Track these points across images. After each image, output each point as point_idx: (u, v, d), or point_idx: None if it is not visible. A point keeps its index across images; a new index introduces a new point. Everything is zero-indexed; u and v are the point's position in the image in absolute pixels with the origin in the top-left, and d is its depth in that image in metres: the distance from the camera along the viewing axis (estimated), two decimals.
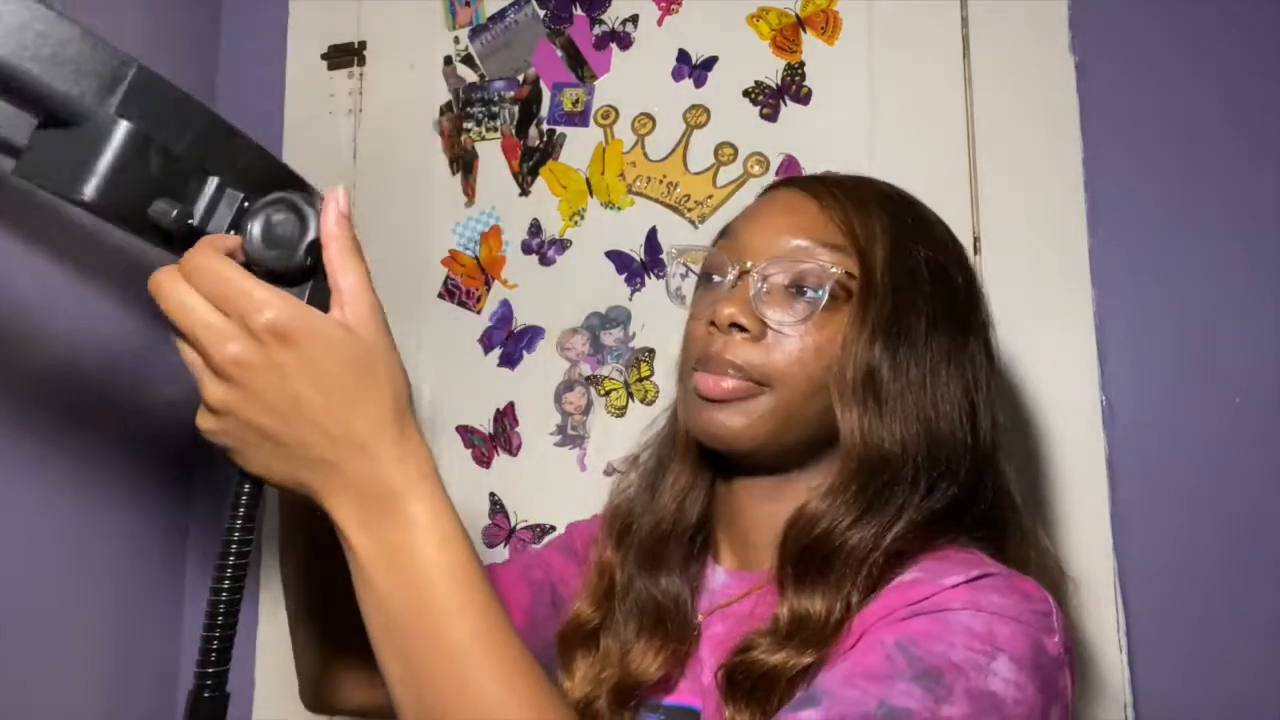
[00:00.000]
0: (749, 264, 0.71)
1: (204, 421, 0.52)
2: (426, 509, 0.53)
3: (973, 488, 0.70)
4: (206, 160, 0.53)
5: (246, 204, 0.54)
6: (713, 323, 0.71)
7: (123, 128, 0.49)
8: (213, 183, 0.54)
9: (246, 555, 0.54)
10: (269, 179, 0.57)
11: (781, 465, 0.73)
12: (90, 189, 0.49)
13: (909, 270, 0.71)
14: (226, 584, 0.54)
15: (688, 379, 0.73)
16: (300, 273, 0.54)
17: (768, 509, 0.74)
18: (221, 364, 0.49)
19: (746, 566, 0.76)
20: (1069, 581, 0.79)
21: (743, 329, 0.70)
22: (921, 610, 0.61)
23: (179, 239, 0.53)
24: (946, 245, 0.76)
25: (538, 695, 0.53)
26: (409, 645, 0.52)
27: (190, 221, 0.52)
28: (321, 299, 0.54)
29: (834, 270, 0.69)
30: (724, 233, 0.78)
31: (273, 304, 0.49)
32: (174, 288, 0.50)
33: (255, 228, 0.53)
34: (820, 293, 0.69)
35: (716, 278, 0.74)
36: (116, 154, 0.49)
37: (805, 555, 0.67)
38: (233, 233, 0.54)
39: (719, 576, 0.77)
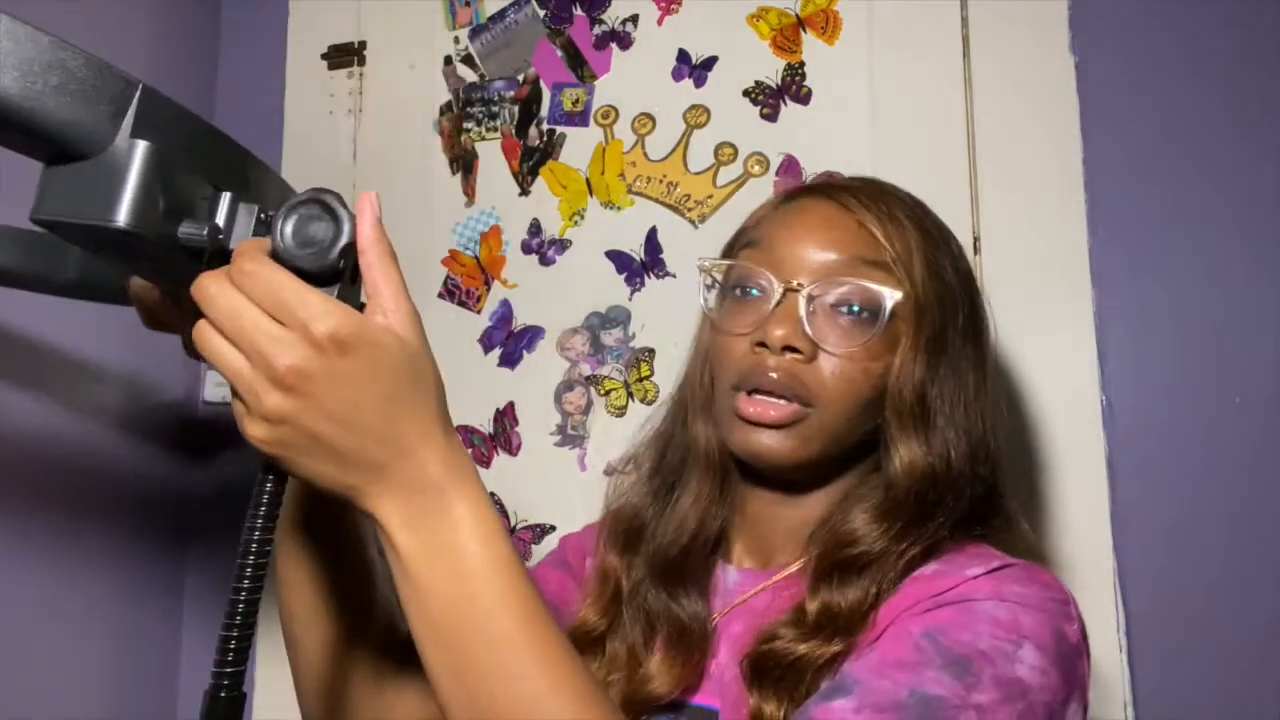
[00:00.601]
0: (795, 282, 0.70)
1: (257, 430, 0.50)
2: (470, 506, 0.53)
3: (992, 482, 0.72)
4: (216, 175, 0.53)
5: (264, 215, 0.54)
6: (762, 343, 0.70)
7: (141, 148, 0.48)
8: (226, 198, 0.53)
9: (267, 554, 0.54)
10: (272, 191, 0.56)
11: (812, 473, 0.73)
12: (124, 213, 0.48)
13: (943, 283, 0.72)
14: (246, 583, 0.53)
15: (727, 398, 0.72)
16: (330, 274, 0.53)
17: (789, 512, 0.74)
18: (284, 374, 0.49)
19: (761, 565, 0.76)
20: (1053, 567, 0.80)
21: (795, 350, 0.69)
22: (946, 601, 0.62)
23: (211, 258, 0.52)
24: (960, 251, 0.77)
25: (578, 682, 0.54)
26: (455, 639, 0.52)
27: (220, 236, 0.52)
28: (350, 301, 0.54)
29: (894, 294, 0.69)
30: (750, 242, 0.76)
31: (334, 313, 0.50)
32: (223, 293, 0.50)
33: (287, 227, 0.52)
34: (865, 312, 0.69)
35: (751, 291, 0.73)
36: (141, 175, 0.48)
37: (842, 563, 0.68)
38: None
39: (731, 576, 0.76)
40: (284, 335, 0.49)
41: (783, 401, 0.69)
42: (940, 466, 0.68)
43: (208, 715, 0.52)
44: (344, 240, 0.52)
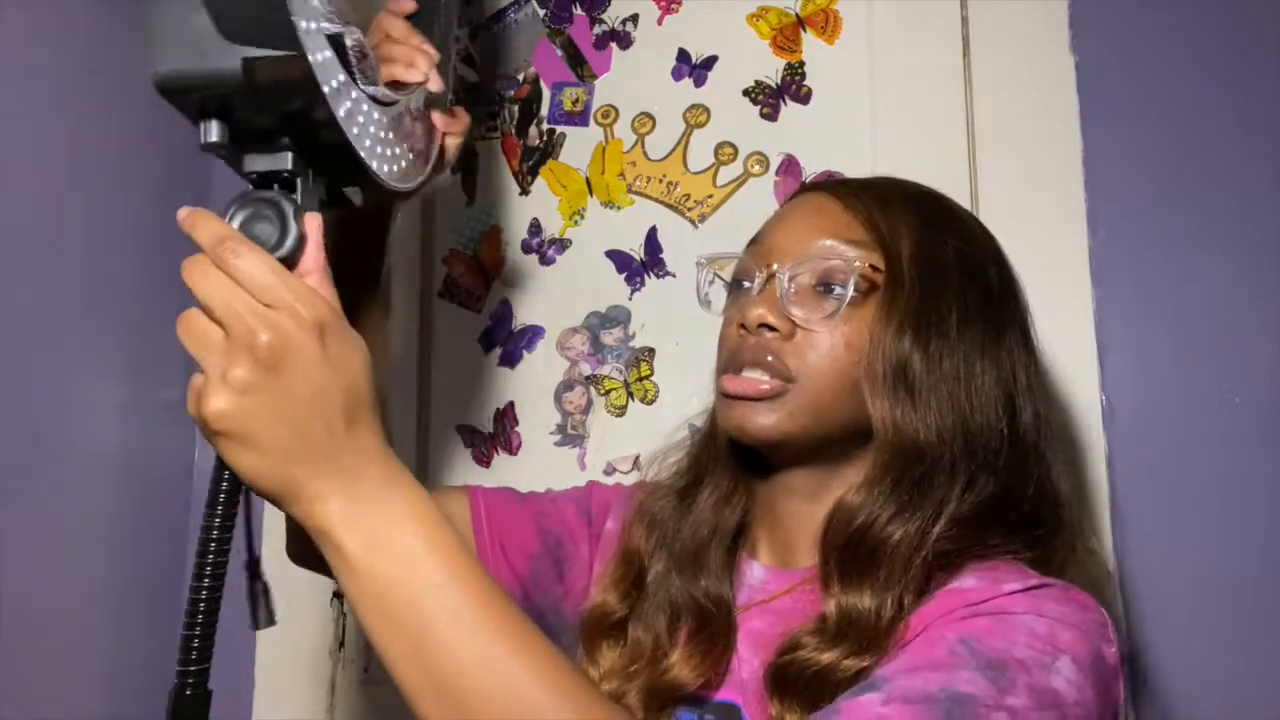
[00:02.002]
0: (774, 266, 0.72)
1: (218, 400, 0.50)
2: (411, 498, 0.55)
3: (1017, 482, 0.70)
4: (295, 135, 0.55)
5: (286, 174, 0.55)
6: (742, 325, 0.72)
7: (232, 65, 0.51)
8: (278, 140, 0.55)
9: (226, 552, 0.54)
10: (337, 163, 0.58)
11: (819, 462, 0.74)
12: (162, 72, 0.51)
13: (937, 262, 0.72)
14: (207, 581, 0.53)
15: (718, 382, 0.74)
16: None
17: (808, 508, 0.74)
18: (263, 347, 0.50)
19: (786, 565, 0.76)
20: (1113, 582, 0.79)
21: (771, 328, 0.71)
22: (983, 611, 0.61)
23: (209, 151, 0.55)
24: (977, 237, 0.76)
25: (538, 646, 0.54)
26: (410, 620, 0.52)
27: (222, 149, 0.54)
28: None
29: (857, 264, 0.70)
30: (753, 240, 0.79)
31: (320, 301, 0.52)
32: (210, 271, 0.51)
33: (238, 216, 0.54)
34: (846, 288, 0.70)
35: (746, 283, 0.76)
36: (208, 74, 0.51)
37: (847, 549, 0.67)
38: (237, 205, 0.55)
39: (756, 572, 0.77)
40: (269, 313, 0.50)
41: (764, 376, 0.70)
42: (928, 440, 0.67)
43: (174, 713, 0.53)
44: (283, 252, 0.53)
